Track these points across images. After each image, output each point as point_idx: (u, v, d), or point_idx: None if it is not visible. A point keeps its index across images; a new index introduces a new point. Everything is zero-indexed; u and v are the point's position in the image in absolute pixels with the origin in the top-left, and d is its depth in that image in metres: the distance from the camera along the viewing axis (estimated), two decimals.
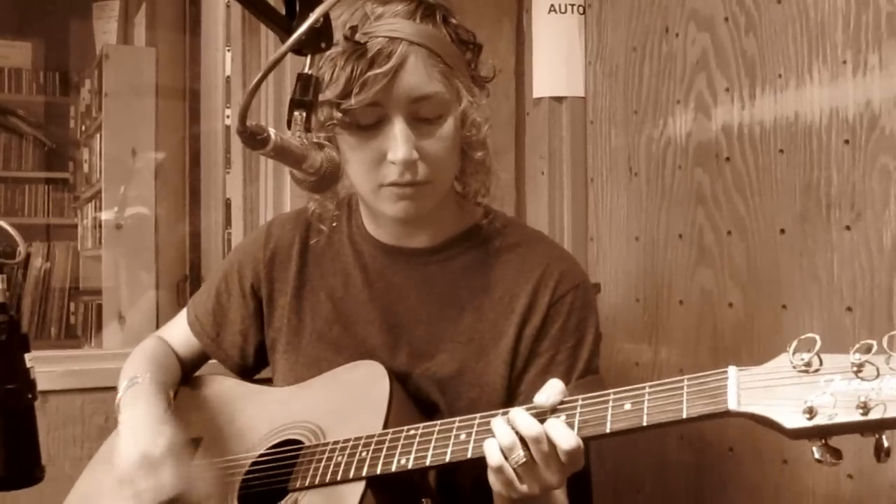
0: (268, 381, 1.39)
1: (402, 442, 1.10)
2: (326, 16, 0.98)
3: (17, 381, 0.94)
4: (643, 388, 0.97)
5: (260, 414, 1.30)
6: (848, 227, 1.34)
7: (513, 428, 1.01)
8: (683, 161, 1.67)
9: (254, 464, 1.23)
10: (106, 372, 1.66)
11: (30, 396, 0.95)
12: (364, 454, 1.11)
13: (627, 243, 1.83)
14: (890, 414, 0.80)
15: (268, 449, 1.24)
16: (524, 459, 1.00)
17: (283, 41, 0.95)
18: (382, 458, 1.10)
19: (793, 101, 1.43)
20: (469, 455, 1.05)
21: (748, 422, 0.89)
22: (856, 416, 0.82)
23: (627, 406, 0.97)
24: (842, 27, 1.34)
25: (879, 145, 1.29)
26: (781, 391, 0.87)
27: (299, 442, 1.21)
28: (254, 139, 0.95)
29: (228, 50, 2.39)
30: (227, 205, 2.50)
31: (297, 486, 1.16)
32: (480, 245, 1.30)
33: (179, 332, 1.46)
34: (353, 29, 1.12)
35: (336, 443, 1.16)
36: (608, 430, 0.97)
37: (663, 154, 1.73)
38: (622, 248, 1.85)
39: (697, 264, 1.64)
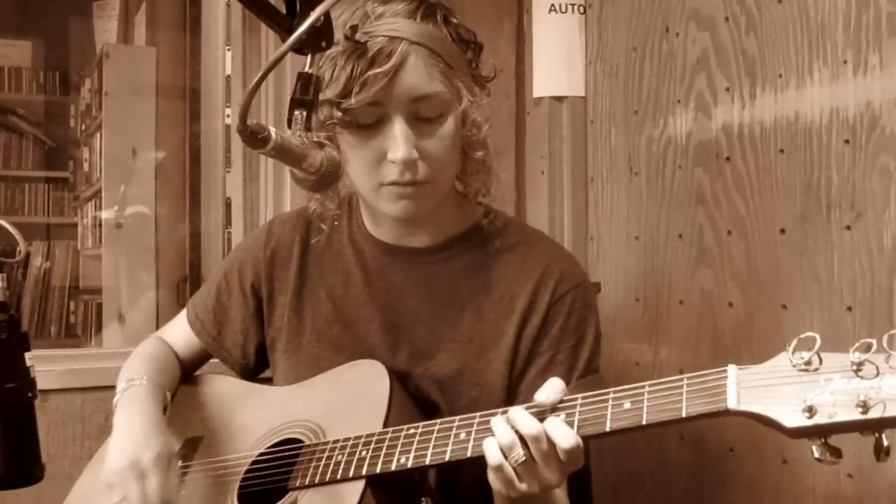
0: (268, 381, 1.39)
1: (401, 441, 1.10)
2: (327, 15, 0.98)
3: (17, 379, 0.94)
4: (643, 386, 0.97)
5: (260, 413, 1.30)
6: (848, 227, 1.34)
7: (512, 427, 1.01)
8: (684, 161, 1.67)
9: (254, 462, 1.24)
10: (106, 371, 1.66)
11: (30, 395, 0.95)
12: (364, 453, 1.11)
13: (627, 243, 1.83)
14: (889, 413, 0.80)
15: (268, 448, 1.24)
16: (524, 458, 1.00)
17: (283, 40, 0.95)
18: (382, 457, 1.10)
19: (793, 100, 1.43)
20: (469, 454, 1.05)
21: (748, 421, 0.89)
22: (855, 415, 0.81)
23: (627, 405, 0.97)
24: (842, 27, 1.34)
25: (880, 145, 1.29)
26: (781, 390, 0.87)
27: (299, 441, 1.21)
28: (254, 138, 0.95)
29: (229, 49, 2.38)
30: (228, 204, 2.50)
31: (297, 484, 1.16)
32: (481, 245, 1.30)
33: (180, 332, 1.46)
34: (354, 28, 1.12)
35: (336, 442, 1.16)
36: (608, 429, 0.97)
37: (663, 154, 1.73)
38: (622, 247, 1.85)
39: (697, 264, 1.64)
